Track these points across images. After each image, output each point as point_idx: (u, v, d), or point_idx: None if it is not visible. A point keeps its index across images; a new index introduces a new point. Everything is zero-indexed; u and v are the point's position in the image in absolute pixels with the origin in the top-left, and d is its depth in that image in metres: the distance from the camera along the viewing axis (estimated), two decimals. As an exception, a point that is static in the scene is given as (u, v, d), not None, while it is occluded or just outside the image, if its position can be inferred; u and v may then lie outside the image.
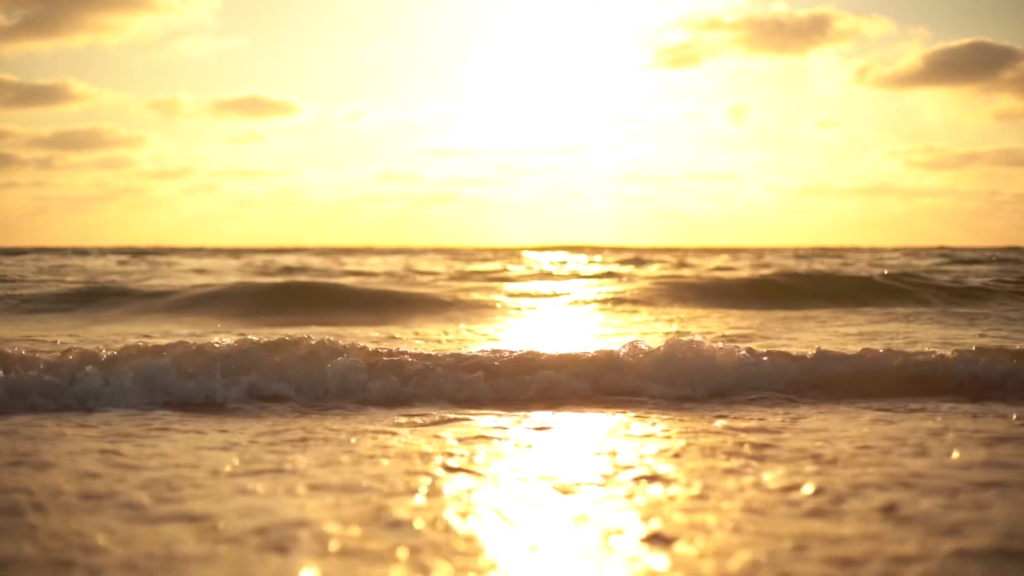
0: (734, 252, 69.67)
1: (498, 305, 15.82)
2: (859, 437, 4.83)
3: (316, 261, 38.43)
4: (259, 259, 39.99)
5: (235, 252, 57.64)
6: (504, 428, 5.12)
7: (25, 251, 55.28)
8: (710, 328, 11.30)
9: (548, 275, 27.85)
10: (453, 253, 61.66)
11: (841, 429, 5.08)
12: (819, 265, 33.24)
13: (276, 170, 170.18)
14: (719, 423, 5.28)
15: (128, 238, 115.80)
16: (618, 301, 16.37)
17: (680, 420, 5.41)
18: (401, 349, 6.63)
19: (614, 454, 4.41)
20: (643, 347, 6.56)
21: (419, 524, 3.23)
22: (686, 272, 28.66)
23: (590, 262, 40.41)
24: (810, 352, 6.84)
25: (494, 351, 6.67)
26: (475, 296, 17.05)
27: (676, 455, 4.40)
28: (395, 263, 37.05)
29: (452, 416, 5.47)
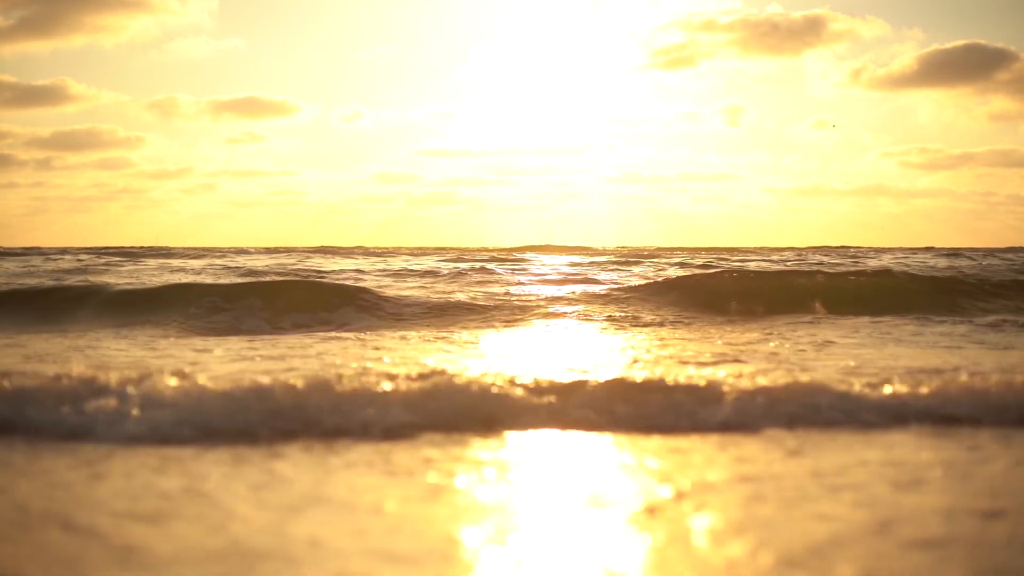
0: (734, 252, 69.01)
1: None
2: None
3: (286, 260, 37.75)
4: (241, 259, 39.20)
5: (223, 252, 56.89)
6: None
7: (14, 252, 54.57)
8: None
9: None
10: (447, 252, 60.95)
11: None
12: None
13: (275, 170, 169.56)
14: None
15: (127, 238, 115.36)
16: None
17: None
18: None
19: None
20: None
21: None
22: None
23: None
24: None
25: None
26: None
27: None
28: (371, 260, 36.45)
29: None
